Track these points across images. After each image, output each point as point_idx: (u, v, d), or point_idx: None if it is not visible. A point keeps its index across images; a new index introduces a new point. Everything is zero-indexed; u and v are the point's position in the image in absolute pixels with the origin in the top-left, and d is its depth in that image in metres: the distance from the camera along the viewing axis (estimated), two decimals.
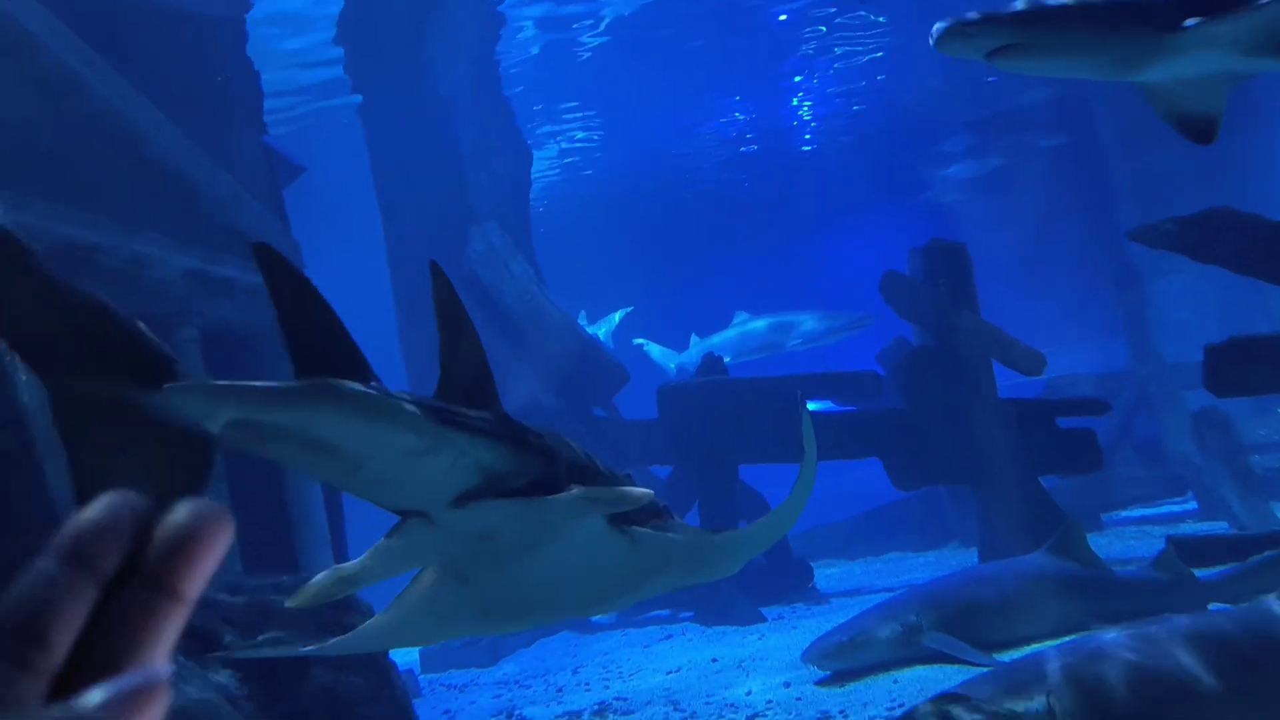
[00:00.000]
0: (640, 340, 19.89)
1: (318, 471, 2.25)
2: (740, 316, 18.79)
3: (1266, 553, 7.45)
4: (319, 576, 2.58)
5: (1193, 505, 12.52)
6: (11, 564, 0.71)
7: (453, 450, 2.28)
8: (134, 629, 0.67)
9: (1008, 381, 10.57)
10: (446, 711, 7.86)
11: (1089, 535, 8.06)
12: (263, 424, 2.07)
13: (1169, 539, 8.36)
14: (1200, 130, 4.48)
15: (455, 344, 2.74)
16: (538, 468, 2.50)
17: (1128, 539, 11.61)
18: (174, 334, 7.03)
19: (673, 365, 19.05)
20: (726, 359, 18.35)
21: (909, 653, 6.93)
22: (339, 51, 13.99)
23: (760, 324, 18.39)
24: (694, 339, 19.06)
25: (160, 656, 0.68)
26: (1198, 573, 7.43)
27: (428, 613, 2.75)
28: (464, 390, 2.66)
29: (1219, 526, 11.04)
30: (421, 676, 9.52)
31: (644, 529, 2.75)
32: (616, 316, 20.60)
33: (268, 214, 8.32)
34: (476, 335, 2.78)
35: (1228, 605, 6.48)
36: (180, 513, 0.70)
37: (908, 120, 21.06)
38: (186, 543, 0.69)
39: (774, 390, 10.92)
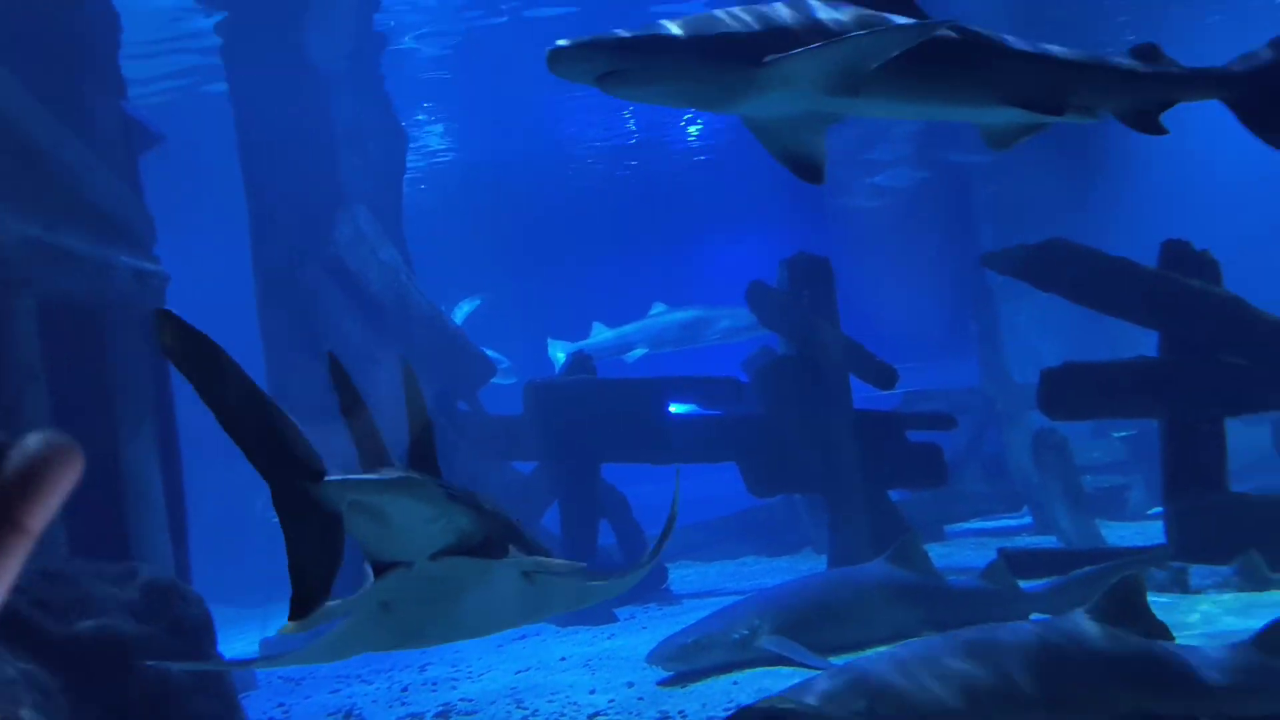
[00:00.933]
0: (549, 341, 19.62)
1: (356, 530, 2.83)
2: (658, 307, 18.73)
3: (1087, 568, 7.92)
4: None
5: (1028, 520, 13.17)
6: None
7: (448, 518, 2.94)
8: None
9: (866, 394, 10.91)
10: (281, 705, 7.67)
11: (932, 546, 8.42)
12: (360, 502, 2.74)
13: (1000, 551, 8.81)
14: (808, 171, 4.61)
15: (419, 427, 3.41)
16: (486, 529, 3.09)
17: (966, 550, 12.14)
18: (9, 303, 6.66)
19: (560, 356, 18.88)
20: (642, 349, 18.41)
21: (751, 655, 7.10)
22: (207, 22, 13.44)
23: (679, 316, 18.34)
24: (598, 327, 18.89)
25: (1, 590, 0.68)
26: (1025, 584, 7.84)
27: (352, 637, 3.33)
28: (423, 461, 3.28)
29: (1049, 541, 11.65)
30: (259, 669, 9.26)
31: (543, 572, 3.36)
32: (466, 307, 20.29)
33: (119, 183, 7.97)
34: (429, 418, 3.46)
35: (1047, 616, 6.85)
36: (29, 444, 0.68)
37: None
38: (33, 475, 0.67)
39: (639, 391, 11.04)
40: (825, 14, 4.26)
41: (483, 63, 17.19)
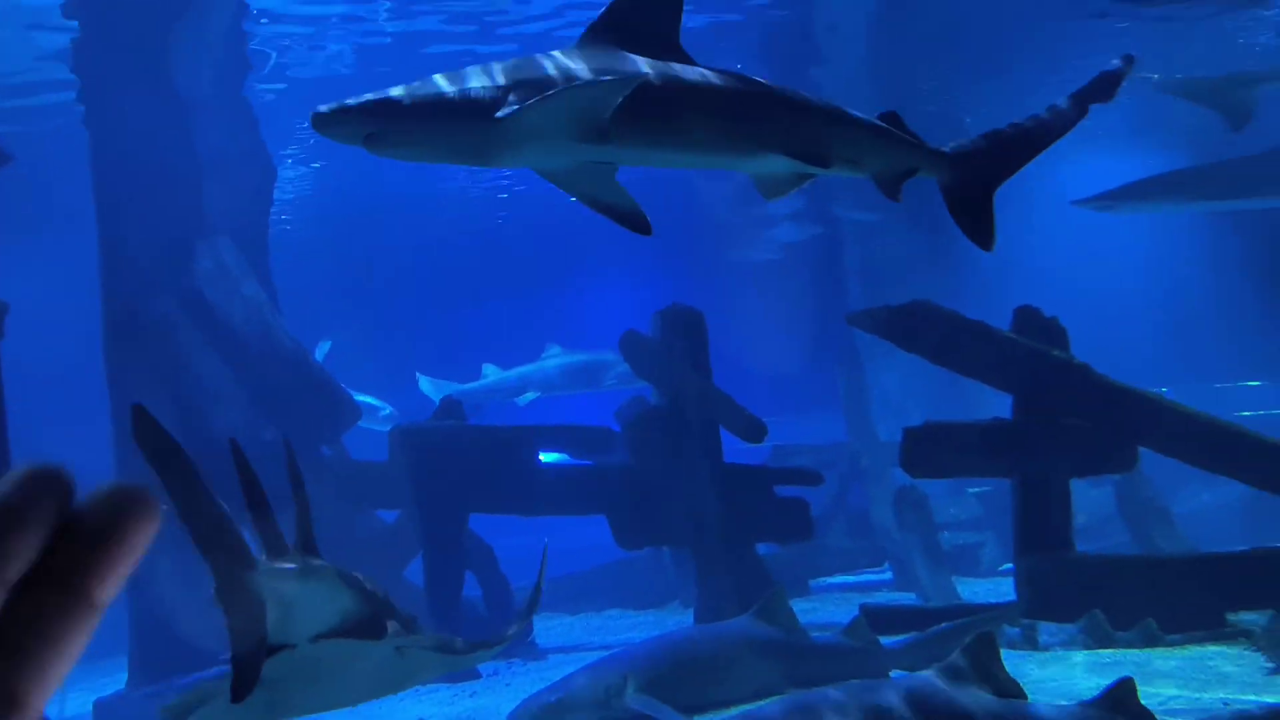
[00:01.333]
0: (418, 375, 19.15)
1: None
2: (552, 349, 18.37)
3: (944, 624, 8.13)
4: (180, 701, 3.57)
5: (889, 575, 13.48)
6: None
7: (339, 600, 3.25)
8: (40, 637, 0.58)
9: (736, 446, 11.02)
10: None
11: (796, 601, 8.48)
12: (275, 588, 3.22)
13: (861, 608, 8.96)
14: (627, 219, 4.73)
15: (302, 511, 3.85)
16: (366, 610, 3.42)
17: (830, 605, 12.31)
18: None
19: (437, 397, 18.41)
20: (534, 393, 18.01)
21: (615, 714, 6.99)
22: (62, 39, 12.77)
23: (573, 360, 17.94)
24: (489, 369, 18.46)
25: (66, 669, 0.60)
26: (885, 640, 7.98)
27: (226, 714, 3.40)
28: (305, 545, 3.60)
29: (909, 596, 11.94)
30: None
31: (416, 649, 3.73)
32: (322, 348, 19.72)
33: None
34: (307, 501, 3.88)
35: (906, 673, 6.97)
36: (102, 501, 0.60)
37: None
38: (106, 541, 0.59)
39: (509, 440, 10.88)
40: (571, 64, 4.33)
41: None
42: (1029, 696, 5.24)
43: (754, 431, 10.68)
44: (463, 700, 8.50)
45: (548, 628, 12.25)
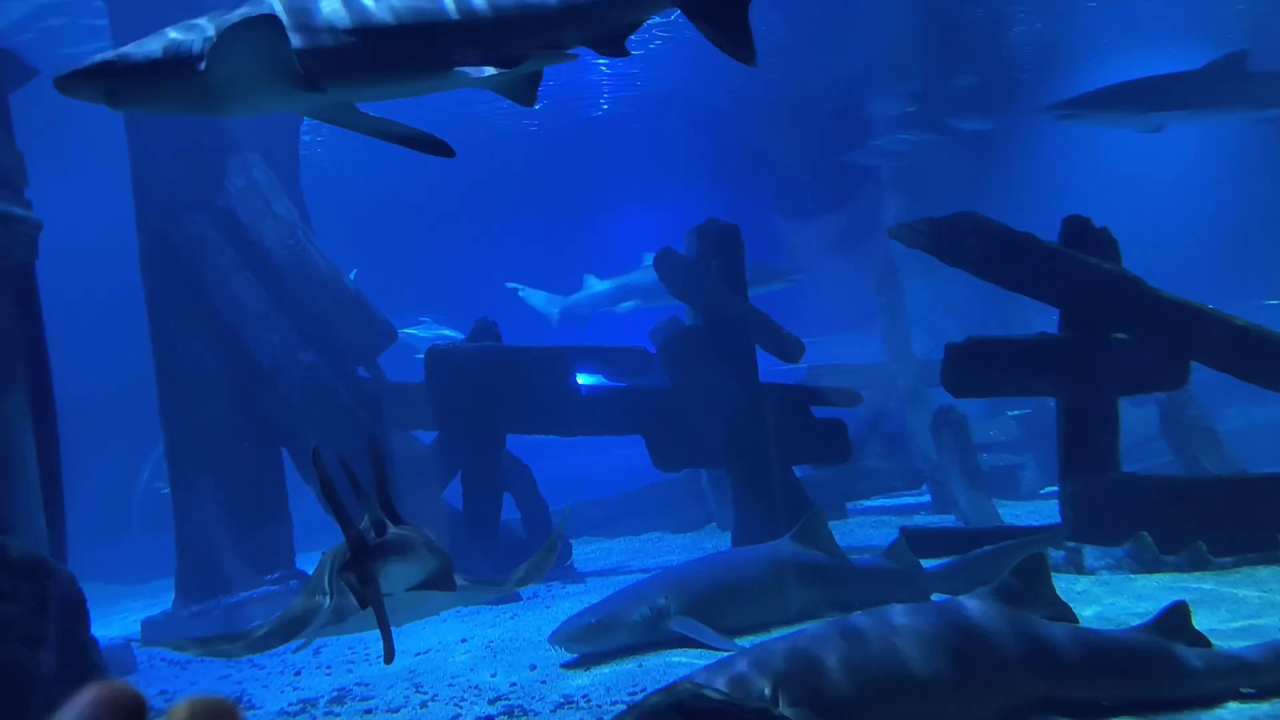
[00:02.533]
0: (515, 285, 18.94)
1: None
2: (589, 279, 17.98)
3: (986, 547, 8.01)
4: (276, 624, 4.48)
5: (927, 498, 13.37)
6: None
7: (426, 564, 4.33)
8: None
9: (770, 367, 10.85)
10: (163, 692, 7.26)
11: (834, 524, 8.39)
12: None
13: (901, 530, 8.86)
14: (429, 147, 4.98)
15: (384, 489, 4.47)
16: (442, 566, 4.43)
17: (867, 528, 12.26)
18: None
19: (555, 311, 18.12)
20: (634, 303, 17.61)
21: (656, 636, 6.99)
22: None
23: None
24: (590, 279, 18.11)
25: None
26: (925, 563, 7.88)
27: (309, 630, 4.34)
28: (390, 513, 4.39)
29: (948, 519, 11.84)
30: (141, 650, 8.81)
31: (466, 584, 4.68)
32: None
33: None
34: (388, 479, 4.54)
35: (948, 596, 6.89)
36: None
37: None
38: None
39: (545, 361, 10.79)
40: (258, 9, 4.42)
41: None
42: (1078, 621, 5.16)
43: (791, 351, 10.49)
44: (504, 623, 8.55)
45: (586, 552, 12.31)
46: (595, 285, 18.17)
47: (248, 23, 4.24)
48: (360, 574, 4.01)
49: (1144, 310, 8.60)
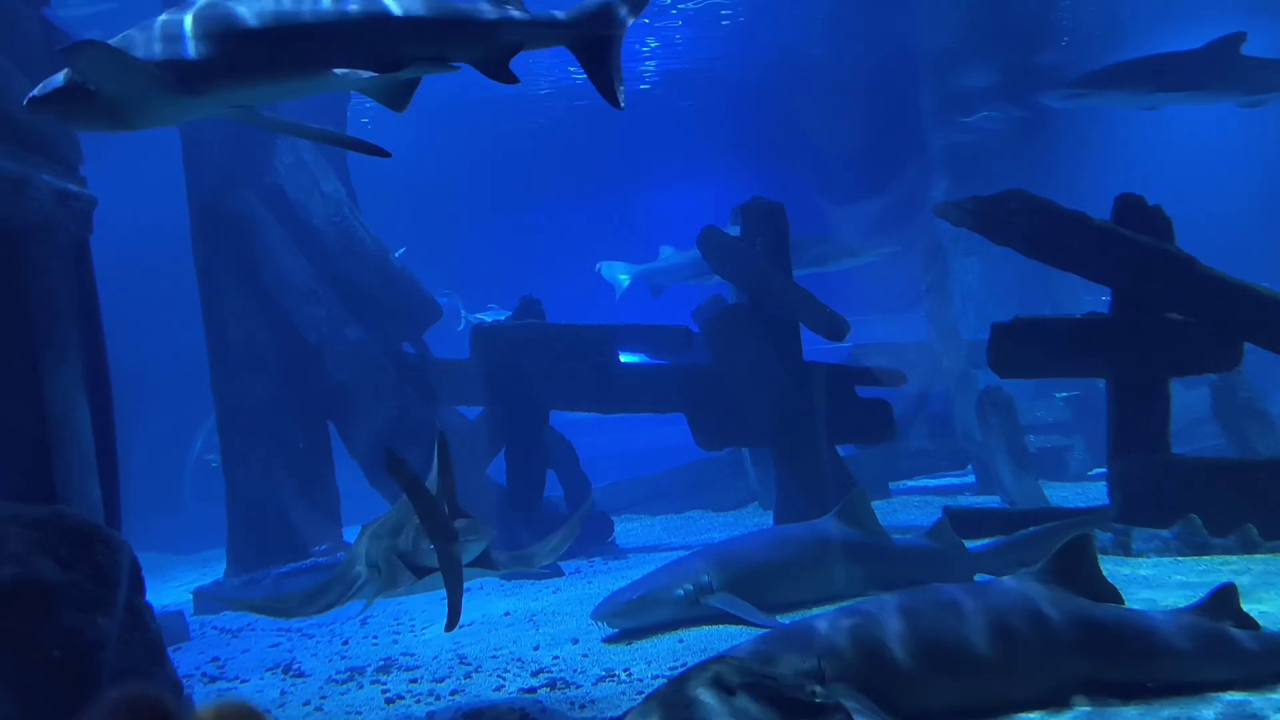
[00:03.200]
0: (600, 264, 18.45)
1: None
2: (665, 250, 17.58)
3: (1031, 528, 7.94)
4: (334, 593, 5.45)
5: (971, 479, 13.26)
6: None
7: (478, 547, 5.19)
8: None
9: (814, 346, 10.80)
10: (215, 660, 7.44)
11: (877, 503, 8.35)
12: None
13: (945, 510, 8.80)
14: (360, 148, 5.29)
15: (448, 480, 5.15)
16: (488, 546, 5.28)
17: (911, 508, 12.19)
18: None
19: (626, 278, 17.69)
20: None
21: (697, 612, 7.02)
22: None
23: None
24: (665, 250, 17.52)
25: None
26: (969, 544, 7.83)
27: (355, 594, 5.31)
28: (453, 506, 5.11)
29: (993, 500, 11.74)
30: (193, 618, 9.02)
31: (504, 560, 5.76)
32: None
33: None
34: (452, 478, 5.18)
35: (991, 577, 6.85)
36: None
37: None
38: None
39: (588, 338, 10.83)
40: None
41: None
42: (1124, 602, 5.10)
43: (835, 329, 10.42)
44: (546, 596, 8.64)
45: (628, 529, 12.38)
46: (672, 257, 17.49)
47: (69, 50, 4.49)
48: (444, 555, 4.81)
49: (1197, 290, 8.44)
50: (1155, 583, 7.11)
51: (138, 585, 6.07)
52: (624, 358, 11.31)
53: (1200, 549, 7.78)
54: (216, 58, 4.55)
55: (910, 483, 13.70)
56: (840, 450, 10.80)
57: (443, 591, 4.97)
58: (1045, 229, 8.56)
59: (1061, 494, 12.01)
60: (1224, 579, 5.44)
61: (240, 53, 4.57)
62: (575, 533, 5.90)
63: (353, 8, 4.63)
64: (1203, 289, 8.44)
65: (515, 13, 4.73)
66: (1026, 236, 8.60)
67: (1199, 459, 9.03)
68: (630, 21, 4.78)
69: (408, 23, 4.65)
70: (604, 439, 16.30)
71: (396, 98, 4.94)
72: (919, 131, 18.39)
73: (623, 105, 4.71)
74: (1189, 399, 11.90)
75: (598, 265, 18.50)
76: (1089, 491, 11.87)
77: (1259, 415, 11.59)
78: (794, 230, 10.91)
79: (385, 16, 4.63)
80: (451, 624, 4.86)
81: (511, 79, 4.80)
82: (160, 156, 13.41)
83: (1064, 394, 14.25)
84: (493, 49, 4.75)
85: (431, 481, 5.09)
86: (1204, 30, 12.89)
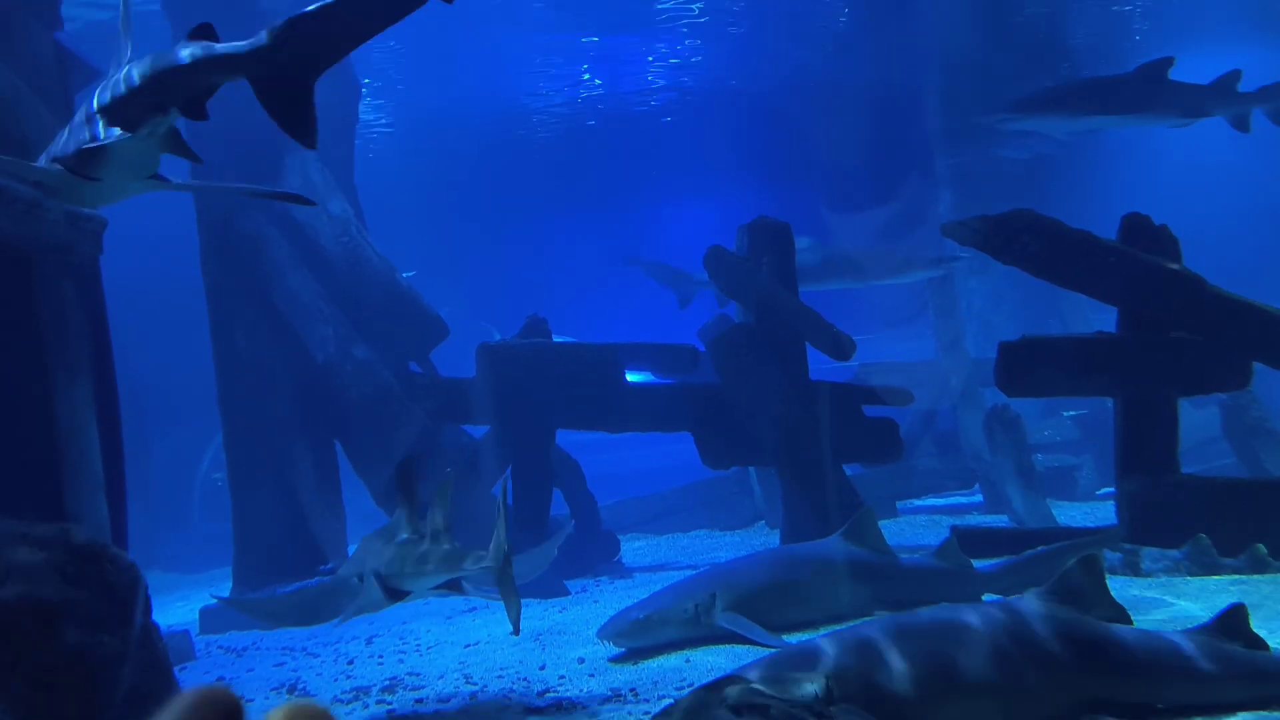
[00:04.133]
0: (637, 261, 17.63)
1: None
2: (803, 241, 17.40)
3: (1040, 548, 7.90)
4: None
5: (979, 498, 13.21)
6: None
7: (453, 573, 5.60)
8: None
9: (820, 365, 10.80)
10: (220, 679, 7.43)
11: (884, 523, 8.31)
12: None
13: (953, 529, 8.77)
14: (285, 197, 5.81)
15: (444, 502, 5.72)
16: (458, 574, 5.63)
17: (918, 527, 12.14)
18: None
19: (682, 288, 16.55)
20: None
21: (703, 632, 6.99)
22: None
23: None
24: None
25: None
26: (977, 563, 7.80)
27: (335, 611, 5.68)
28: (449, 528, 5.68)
29: (1001, 520, 11.69)
30: (199, 638, 9.01)
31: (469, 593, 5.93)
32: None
33: (52, 118, 7.54)
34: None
35: (999, 597, 6.81)
36: None
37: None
38: None
39: (594, 357, 10.85)
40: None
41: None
42: (1134, 623, 5.08)
43: (841, 348, 10.41)
44: (552, 615, 8.61)
45: (634, 548, 12.35)
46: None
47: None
48: (502, 574, 5.31)
49: (1205, 309, 8.43)
50: (1165, 602, 7.06)
51: (145, 603, 6.08)
52: (631, 377, 11.32)
53: (1210, 569, 7.74)
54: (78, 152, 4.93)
55: (918, 502, 13.65)
56: (847, 469, 10.77)
57: (449, 610, 5.03)
58: (1050, 249, 8.56)
59: (1070, 513, 11.96)
60: (1234, 599, 5.40)
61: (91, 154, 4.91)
62: (548, 559, 6.70)
63: (134, 75, 4.81)
64: (1211, 308, 8.42)
65: (209, 53, 4.68)
66: (1033, 256, 8.60)
67: (1208, 478, 8.98)
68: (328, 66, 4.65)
69: (146, 85, 4.79)
70: (611, 457, 16.28)
71: (175, 147, 5.15)
72: (927, 150, 18.44)
73: (316, 145, 4.53)
74: (1199, 418, 11.86)
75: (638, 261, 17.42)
76: (1098, 511, 11.83)
77: (1270, 435, 11.55)
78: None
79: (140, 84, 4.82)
80: (516, 627, 5.34)
81: (203, 116, 4.84)
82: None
83: (1072, 413, 14.22)
84: (191, 90, 4.80)
85: (432, 508, 5.33)
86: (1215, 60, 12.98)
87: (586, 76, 21.77)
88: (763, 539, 12.17)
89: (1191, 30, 18.40)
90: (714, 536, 13.05)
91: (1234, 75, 12.41)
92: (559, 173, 26.24)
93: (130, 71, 4.85)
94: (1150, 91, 12.47)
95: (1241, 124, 12.44)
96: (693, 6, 18.63)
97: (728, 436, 10.54)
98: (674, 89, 22.84)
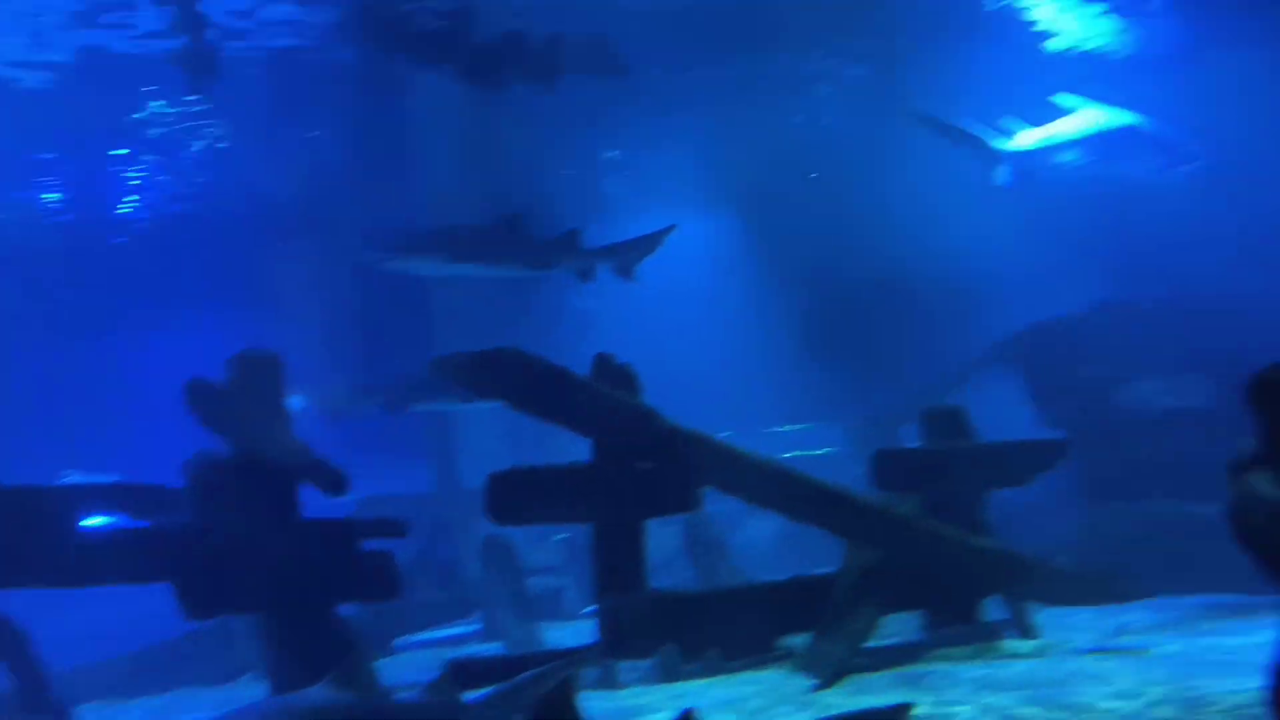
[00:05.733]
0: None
1: None
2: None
3: (528, 672, 8.15)
4: None
5: (478, 626, 13.42)
6: None
7: None
8: None
9: (325, 500, 10.44)
10: None
11: (385, 661, 8.10)
12: None
13: (447, 663, 8.78)
14: None
15: None
16: None
17: (419, 664, 11.99)
18: None
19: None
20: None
21: None
22: None
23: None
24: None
25: None
26: (474, 693, 7.84)
27: None
28: None
29: (496, 647, 11.94)
30: None
31: None
32: None
33: None
34: None
35: None
36: None
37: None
38: None
39: (39, 503, 9.49)
40: None
41: None
42: None
43: (335, 484, 10.14)
44: None
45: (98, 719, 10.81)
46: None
47: None
48: None
49: (658, 440, 9.44)
50: (637, 710, 7.60)
51: None
52: (96, 520, 10.08)
53: (674, 675, 8.50)
54: None
55: (418, 636, 13.52)
56: (346, 610, 10.39)
57: None
58: (530, 386, 9.15)
59: (561, 634, 12.52)
60: (690, 703, 5.96)
61: None
62: None
63: None
64: (664, 439, 9.46)
65: None
66: (515, 392, 9.12)
67: (671, 592, 9.91)
68: None
69: None
70: (75, 615, 14.30)
71: None
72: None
73: None
74: (666, 535, 13.14)
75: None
76: (584, 630, 12.51)
77: (722, 549, 13.10)
78: None
79: None
80: None
81: None
82: None
83: (560, 536, 15.08)
84: None
85: None
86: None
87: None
88: (252, 692, 11.26)
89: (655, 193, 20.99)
90: (196, 694, 11.88)
91: (575, 233, 14.11)
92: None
93: None
94: (508, 242, 13.73)
95: (586, 276, 14.14)
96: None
97: (210, 584, 9.70)
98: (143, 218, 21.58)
